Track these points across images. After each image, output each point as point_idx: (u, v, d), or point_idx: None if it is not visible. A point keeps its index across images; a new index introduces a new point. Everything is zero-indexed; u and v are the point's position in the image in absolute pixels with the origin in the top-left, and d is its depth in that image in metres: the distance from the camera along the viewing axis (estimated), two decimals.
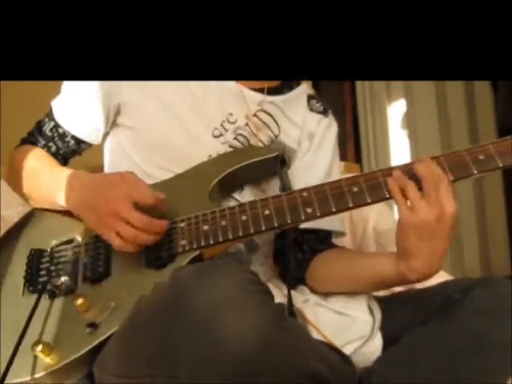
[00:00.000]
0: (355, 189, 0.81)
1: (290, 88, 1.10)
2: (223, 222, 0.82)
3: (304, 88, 1.12)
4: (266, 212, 0.82)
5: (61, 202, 0.90)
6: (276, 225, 0.81)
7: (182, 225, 0.84)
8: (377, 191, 0.81)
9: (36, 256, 0.90)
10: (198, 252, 0.82)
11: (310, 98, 1.11)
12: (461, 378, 0.78)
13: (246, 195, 0.96)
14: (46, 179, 0.94)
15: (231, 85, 1.02)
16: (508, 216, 2.47)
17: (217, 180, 0.92)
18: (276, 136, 1.03)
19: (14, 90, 1.63)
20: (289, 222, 0.81)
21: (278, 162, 0.95)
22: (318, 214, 0.81)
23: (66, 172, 0.91)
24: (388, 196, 0.80)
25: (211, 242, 0.82)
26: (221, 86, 1.01)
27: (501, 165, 0.78)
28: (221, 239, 0.82)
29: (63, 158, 1.05)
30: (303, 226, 1.01)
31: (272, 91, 1.06)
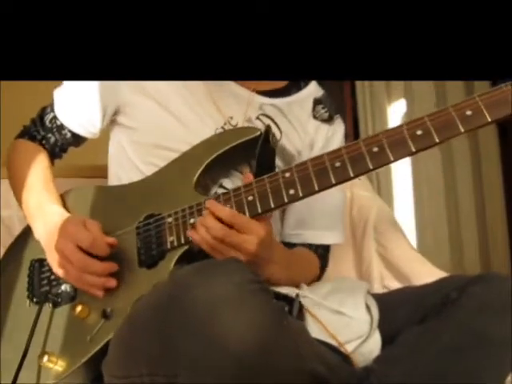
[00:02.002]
0: (338, 163, 0.79)
1: (298, 89, 1.07)
2: None
3: (311, 90, 1.09)
4: (250, 198, 0.81)
5: (34, 230, 0.92)
6: (260, 211, 0.81)
7: (170, 220, 0.84)
8: (360, 163, 0.79)
9: (36, 266, 0.90)
10: (187, 247, 0.82)
11: (316, 102, 1.08)
12: (460, 376, 0.77)
13: (236, 180, 0.95)
14: (32, 202, 0.95)
15: (232, 86, 1.01)
16: (508, 216, 2.47)
17: (201, 169, 0.90)
18: (278, 140, 1.01)
19: (14, 90, 1.63)
20: (272, 206, 0.81)
21: (260, 141, 0.91)
22: (301, 195, 0.80)
23: (46, 207, 0.92)
24: (371, 167, 0.78)
25: None
26: (221, 87, 1.00)
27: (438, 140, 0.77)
28: None
29: (61, 150, 1.07)
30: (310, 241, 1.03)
31: (278, 93, 1.04)
